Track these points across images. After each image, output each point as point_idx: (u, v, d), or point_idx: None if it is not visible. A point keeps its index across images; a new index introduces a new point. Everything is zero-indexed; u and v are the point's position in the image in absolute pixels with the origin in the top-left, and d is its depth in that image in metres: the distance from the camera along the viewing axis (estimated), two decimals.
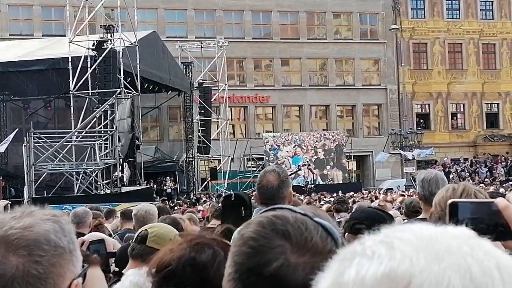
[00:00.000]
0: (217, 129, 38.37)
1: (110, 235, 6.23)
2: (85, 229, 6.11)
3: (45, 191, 24.95)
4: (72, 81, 25.51)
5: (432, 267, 0.71)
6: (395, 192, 26.64)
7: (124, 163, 25.21)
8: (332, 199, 15.60)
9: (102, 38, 25.69)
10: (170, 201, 24.89)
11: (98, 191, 24.81)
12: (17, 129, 27.25)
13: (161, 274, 1.93)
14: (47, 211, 1.37)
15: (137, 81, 26.67)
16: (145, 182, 28.87)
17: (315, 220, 1.24)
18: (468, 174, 41.00)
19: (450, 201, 1.25)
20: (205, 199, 28.16)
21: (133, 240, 3.45)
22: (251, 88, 44.10)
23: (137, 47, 26.62)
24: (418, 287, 0.69)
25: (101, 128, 25.46)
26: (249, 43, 43.97)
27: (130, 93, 26.15)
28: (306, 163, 37.95)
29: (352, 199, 18.16)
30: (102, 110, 24.73)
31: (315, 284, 0.79)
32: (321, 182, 37.93)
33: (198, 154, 37.28)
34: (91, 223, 6.69)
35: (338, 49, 45.71)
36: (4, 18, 40.46)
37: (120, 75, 25.28)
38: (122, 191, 23.75)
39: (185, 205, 21.59)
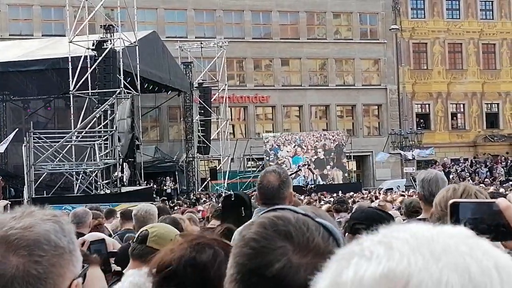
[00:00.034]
0: (217, 129, 38.38)
1: (110, 235, 6.23)
2: (84, 229, 6.11)
3: (45, 191, 24.95)
4: (72, 81, 25.51)
5: (430, 267, 0.70)
6: (395, 192, 26.60)
7: (124, 163, 25.21)
8: (332, 199, 15.59)
9: (102, 38, 25.69)
10: (170, 201, 24.89)
11: (98, 191, 24.82)
12: (17, 129, 27.25)
13: (161, 274, 1.93)
14: (47, 211, 1.37)
15: (137, 81, 26.67)
16: (145, 182, 28.87)
17: (316, 220, 1.24)
18: (468, 174, 41.00)
19: (451, 201, 1.25)
20: (205, 199, 28.18)
21: (134, 240, 3.45)
22: (251, 88, 44.11)
23: (137, 47, 26.62)
24: (416, 287, 0.69)
25: (101, 128, 25.46)
26: (249, 43, 43.98)
27: (130, 93, 26.15)
28: (306, 163, 37.96)
29: (352, 199, 18.17)
30: (102, 110, 24.73)
31: (313, 284, 0.79)
32: (321, 182, 37.95)
33: (198, 154, 37.28)
34: (90, 223, 6.69)
35: (338, 49, 45.71)
36: (4, 18, 40.46)
37: (120, 75, 25.28)
38: (122, 191, 23.76)
39: (185, 205, 21.59)
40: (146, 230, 3.41)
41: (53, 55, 27.98)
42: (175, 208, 18.48)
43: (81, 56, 25.57)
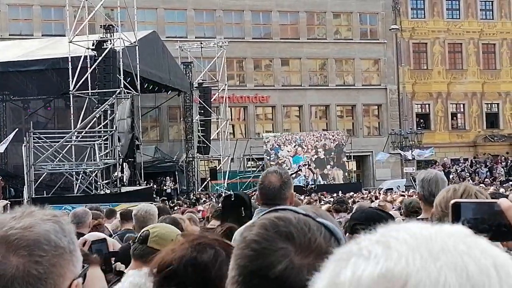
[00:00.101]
0: (217, 129, 38.38)
1: (110, 235, 6.23)
2: (84, 229, 6.11)
3: (45, 191, 24.94)
4: (72, 81, 25.50)
5: (428, 267, 0.70)
6: (395, 192, 26.60)
7: (124, 163, 25.21)
8: (332, 199, 15.58)
9: (102, 38, 25.68)
10: (170, 201, 24.88)
11: (98, 191, 24.81)
12: (17, 129, 27.23)
13: (162, 273, 1.93)
14: (47, 211, 1.37)
15: (137, 81, 26.66)
16: (145, 182, 28.86)
17: (318, 220, 1.23)
18: (468, 174, 41.00)
19: (452, 201, 1.24)
20: (205, 199, 28.17)
21: (135, 241, 3.45)
22: (251, 88, 44.11)
23: (137, 47, 26.61)
24: (415, 287, 0.69)
25: (101, 128, 25.45)
26: (249, 43, 43.98)
27: (130, 93, 26.15)
28: (307, 162, 37.97)
29: (352, 199, 18.16)
30: (102, 110, 24.73)
31: (312, 284, 0.78)
32: (322, 182, 37.96)
33: (198, 154, 37.28)
34: (90, 223, 6.69)
35: (338, 49, 45.72)
36: (4, 18, 40.47)
37: (120, 75, 25.28)
38: (122, 191, 23.76)
39: (185, 205, 21.58)
40: (147, 230, 3.42)
41: (53, 55, 27.98)
42: (175, 208, 18.47)
43: (81, 56, 25.56)
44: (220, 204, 7.30)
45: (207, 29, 43.84)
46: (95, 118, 25.35)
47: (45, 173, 25.11)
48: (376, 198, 18.81)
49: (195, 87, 37.27)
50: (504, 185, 29.03)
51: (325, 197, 22.15)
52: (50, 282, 1.28)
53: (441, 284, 0.69)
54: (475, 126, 47.92)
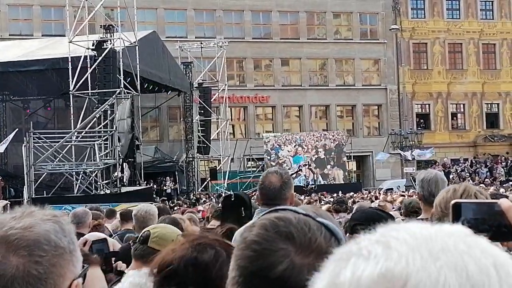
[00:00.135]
0: (217, 129, 38.38)
1: (110, 235, 6.23)
2: (84, 230, 6.11)
3: (45, 191, 24.93)
4: (72, 81, 25.50)
5: (428, 267, 0.70)
6: (395, 192, 26.60)
7: (124, 163, 25.20)
8: (332, 199, 15.58)
9: (102, 38, 25.68)
10: (170, 201, 24.89)
11: (98, 191, 24.80)
12: (17, 129, 27.23)
13: (162, 273, 1.93)
14: (47, 211, 1.37)
15: (137, 81, 26.66)
16: (145, 182, 28.85)
17: (318, 220, 1.23)
18: (468, 174, 40.99)
19: (453, 201, 1.24)
20: (205, 199, 28.17)
21: (136, 241, 3.45)
22: (251, 88, 44.11)
23: (137, 47, 26.61)
24: (415, 287, 0.69)
25: (101, 128, 25.45)
26: (249, 43, 43.98)
27: (130, 93, 26.14)
28: (307, 162, 37.97)
29: (352, 199, 18.16)
30: (102, 110, 24.72)
31: (311, 285, 0.78)
32: (322, 182, 37.97)
33: (198, 154, 37.28)
34: (90, 224, 6.69)
35: (338, 49, 45.72)
36: (4, 18, 40.47)
37: (120, 75, 25.27)
38: (122, 191, 23.74)
39: (185, 205, 21.59)
40: (148, 230, 3.42)
41: (53, 55, 27.98)
42: (175, 208, 18.47)
43: (81, 56, 25.55)
44: (220, 204, 7.29)
45: (207, 29, 43.84)
46: (95, 118, 25.35)
47: (45, 173, 25.10)
48: (376, 198, 18.81)
49: (195, 87, 37.27)
50: (504, 185, 29.03)
51: (325, 197, 22.15)
52: (50, 282, 1.28)
53: (441, 284, 0.69)
54: (475, 126, 47.92)
